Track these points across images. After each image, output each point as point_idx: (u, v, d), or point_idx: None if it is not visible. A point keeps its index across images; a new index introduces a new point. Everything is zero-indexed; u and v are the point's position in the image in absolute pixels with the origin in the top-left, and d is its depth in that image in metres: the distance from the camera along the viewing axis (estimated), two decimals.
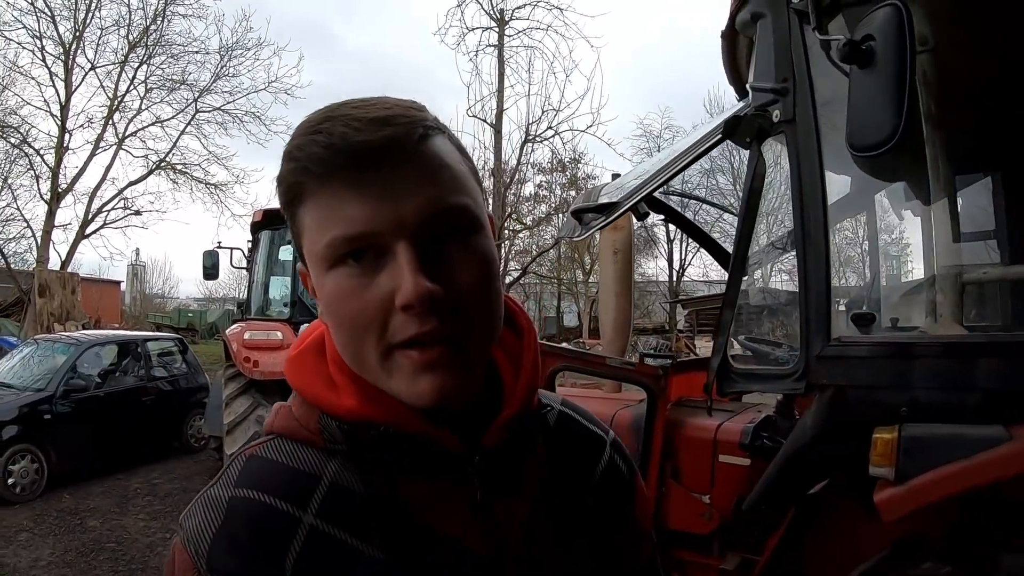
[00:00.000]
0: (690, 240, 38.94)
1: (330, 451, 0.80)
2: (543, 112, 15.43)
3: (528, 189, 26.24)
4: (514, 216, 18.13)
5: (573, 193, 32.65)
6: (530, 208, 28.08)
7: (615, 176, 5.90)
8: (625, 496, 0.98)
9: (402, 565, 0.76)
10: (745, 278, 2.80)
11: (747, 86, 2.63)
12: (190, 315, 41.14)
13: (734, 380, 2.57)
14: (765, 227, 3.34)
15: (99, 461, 9.28)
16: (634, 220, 3.84)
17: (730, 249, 2.88)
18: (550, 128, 15.45)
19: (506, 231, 15.90)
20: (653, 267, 42.39)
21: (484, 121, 15.30)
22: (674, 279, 41.76)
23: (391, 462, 0.79)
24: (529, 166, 20.39)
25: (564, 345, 3.78)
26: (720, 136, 2.62)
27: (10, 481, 8.05)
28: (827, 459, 2.37)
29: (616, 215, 2.80)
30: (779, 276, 3.67)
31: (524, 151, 15.77)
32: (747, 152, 2.57)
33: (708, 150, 2.77)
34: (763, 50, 2.49)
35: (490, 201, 14.59)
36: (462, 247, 0.74)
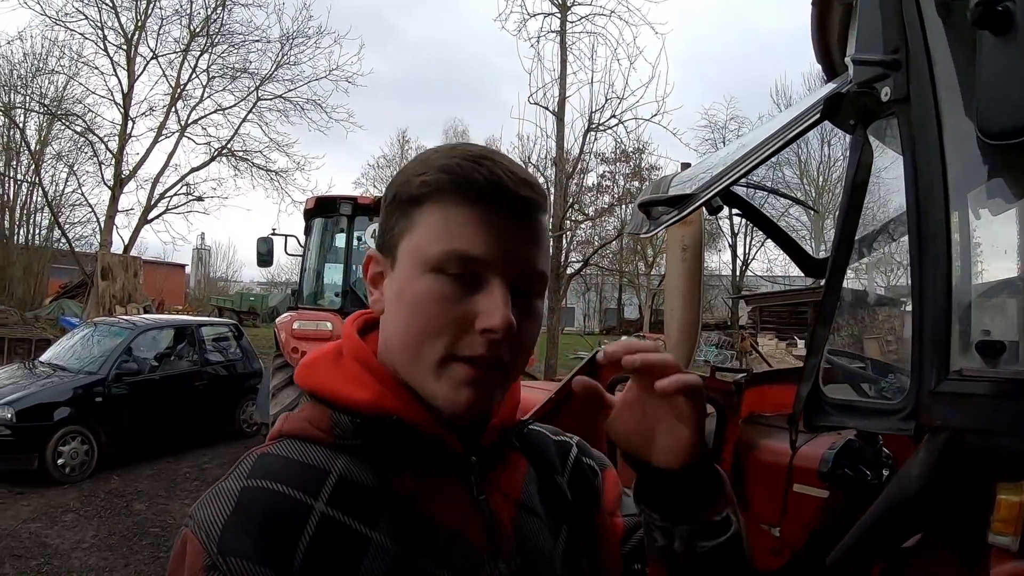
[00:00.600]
0: (754, 234, 38.54)
1: (338, 447, 0.85)
2: (607, 100, 14.90)
3: (591, 179, 25.68)
4: (576, 206, 17.68)
5: (637, 184, 32.18)
6: (592, 198, 27.62)
7: (684, 166, 5.40)
8: (593, 487, 1.07)
9: (409, 552, 0.81)
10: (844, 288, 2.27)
11: (846, 60, 2.14)
12: (252, 299, 41.85)
13: (827, 412, 2.11)
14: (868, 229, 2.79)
15: (150, 444, 9.31)
16: (704, 214, 3.41)
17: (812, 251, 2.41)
18: (613, 116, 14.90)
19: (567, 222, 15.47)
20: (716, 261, 41.64)
21: (546, 109, 14.85)
22: (737, 274, 40.99)
23: (398, 457, 0.86)
24: (592, 155, 19.83)
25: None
26: (817, 118, 2.18)
27: (60, 462, 8.08)
28: (934, 516, 1.87)
29: (690, 210, 2.46)
30: (886, 289, 3.23)
31: (587, 140, 15.26)
32: (834, 141, 2.10)
33: (799, 135, 2.33)
34: (867, 17, 2.04)
35: (552, 191, 14.20)
36: (531, 303, 0.86)
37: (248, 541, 0.75)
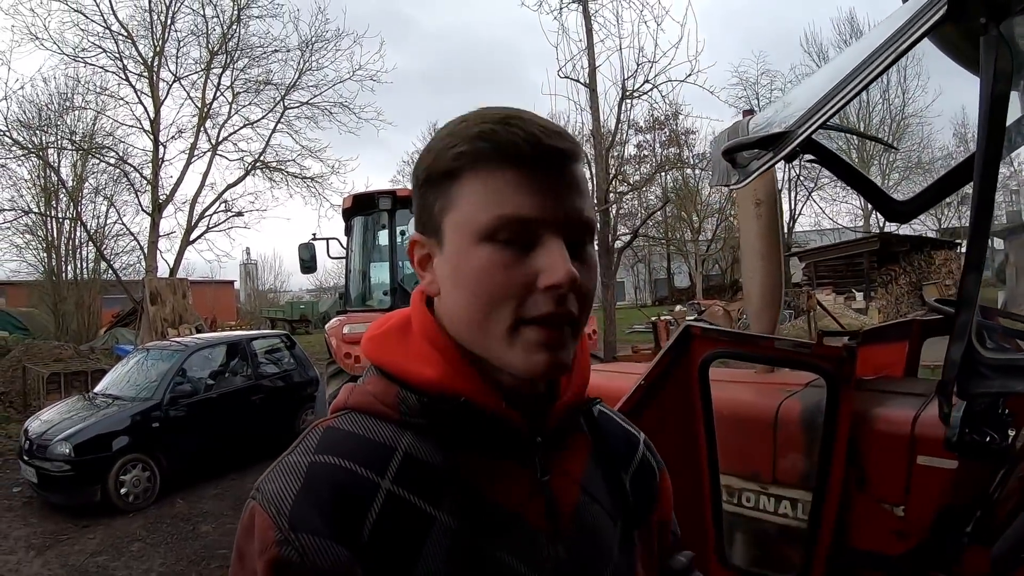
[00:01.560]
0: (799, 189, 37.87)
1: (404, 424, 0.86)
2: (638, 65, 14.43)
3: (629, 150, 25.32)
4: (619, 178, 17.29)
5: (675, 150, 31.66)
6: (635, 168, 27.17)
7: (747, 113, 4.93)
8: (652, 488, 1.06)
9: (470, 532, 0.82)
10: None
11: None
12: (302, 307, 42.36)
13: (985, 376, 1.83)
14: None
15: (212, 464, 9.16)
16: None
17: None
18: (647, 82, 14.44)
19: (611, 194, 15.05)
20: None
21: (577, 81, 14.44)
22: (785, 230, 40.29)
23: (462, 438, 0.86)
24: (628, 124, 19.39)
25: (718, 327, 2.96)
26: (939, 17, 1.77)
27: (123, 491, 7.93)
28: None
29: (789, 148, 2.10)
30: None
31: (622, 108, 14.79)
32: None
33: (914, 44, 1.88)
34: None
35: (593, 165, 13.80)
36: (585, 252, 0.85)
37: (318, 517, 0.76)
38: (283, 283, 56.83)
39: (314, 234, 9.00)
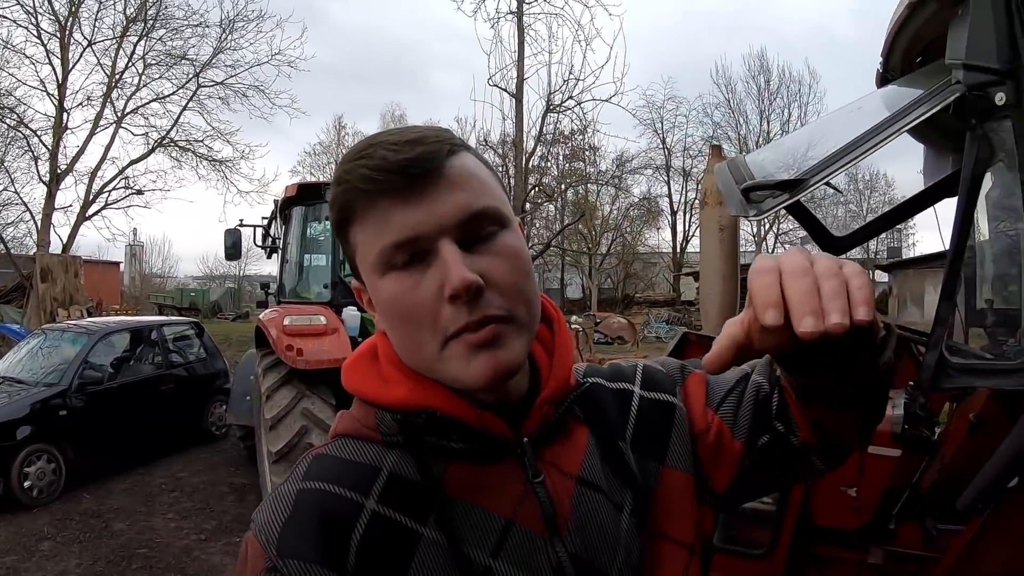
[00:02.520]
0: (694, 212, 39.56)
1: (388, 444, 0.88)
2: (565, 82, 14.83)
3: (534, 161, 26.01)
4: (538, 188, 17.70)
5: (579, 164, 32.38)
6: (536, 179, 27.64)
7: (715, 148, 5.45)
8: (666, 428, 1.01)
9: (459, 545, 0.82)
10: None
11: (947, 62, 2.39)
12: (192, 294, 40.85)
13: (952, 376, 2.31)
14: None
15: (118, 457, 8.72)
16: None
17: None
18: (571, 99, 14.85)
19: (527, 204, 15.39)
20: (656, 238, 42.44)
21: (505, 91, 14.64)
22: (678, 250, 41.82)
23: (443, 449, 0.86)
24: (552, 137, 19.81)
25: (711, 335, 3.35)
26: (942, 108, 2.38)
27: (27, 484, 7.45)
28: None
29: (802, 192, 2.53)
30: (1002, 272, 3.27)
31: (546, 121, 15.13)
32: None
33: (916, 123, 2.49)
34: (980, 27, 2.34)
35: (511, 172, 14.06)
36: (494, 243, 0.82)
37: (305, 543, 0.78)
38: (171, 268, 54.61)
39: (241, 220, 8.73)
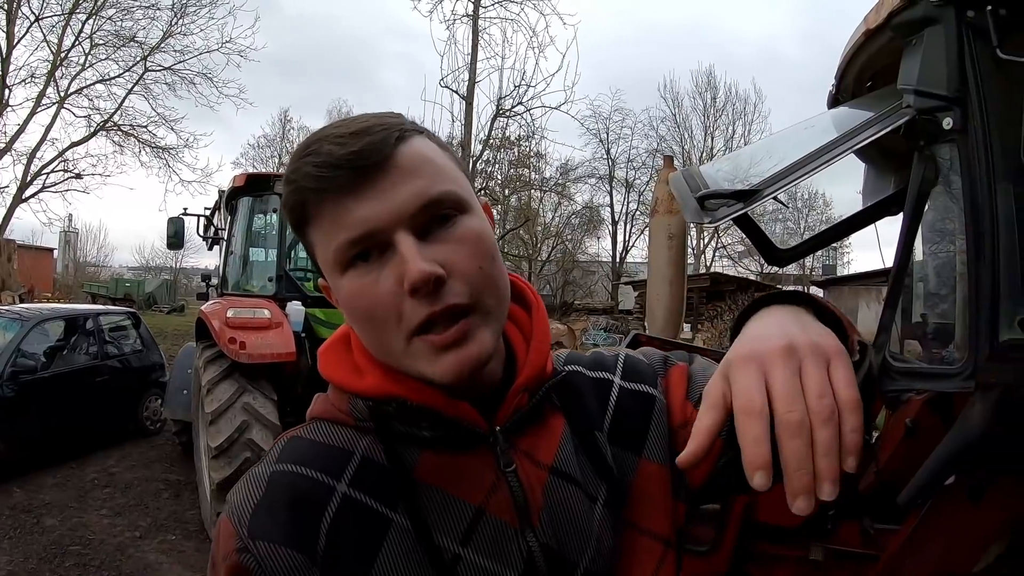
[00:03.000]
0: (634, 222, 40.17)
1: (361, 429, 0.87)
2: (516, 87, 14.98)
3: (480, 165, 26.18)
4: (483, 191, 17.79)
5: (525, 170, 32.57)
6: (501, 186, 27.73)
7: (668, 159, 5.61)
8: (644, 422, 0.99)
9: (430, 532, 0.82)
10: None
11: (899, 86, 2.51)
12: (127, 285, 39.71)
13: (895, 379, 2.50)
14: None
15: (50, 449, 8.46)
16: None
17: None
18: (521, 104, 15.01)
19: None
20: (596, 247, 42.89)
21: (455, 92, 14.70)
22: (618, 259, 42.29)
23: (415, 437, 0.85)
24: (500, 141, 19.93)
25: (659, 336, 3.45)
26: (893, 130, 2.52)
27: None
28: (991, 455, 2.35)
29: (755, 203, 2.61)
30: (937, 288, 3.43)
31: (495, 125, 15.25)
32: None
33: (867, 143, 2.61)
34: (932, 57, 2.53)
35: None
36: (454, 229, 0.80)
37: (275, 525, 0.79)
38: (106, 256, 53.10)
39: (185, 209, 8.56)
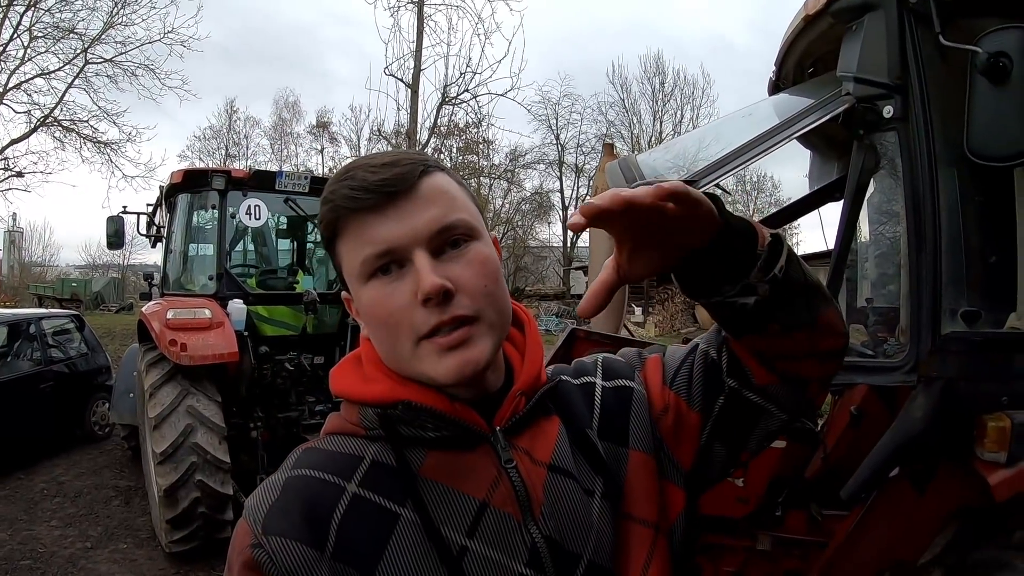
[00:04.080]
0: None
1: (370, 437, 0.96)
2: (462, 75, 14.86)
3: (428, 152, 26.03)
4: None
5: (474, 158, 32.43)
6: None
7: (608, 147, 5.59)
8: (626, 412, 1.06)
9: (437, 526, 0.89)
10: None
11: (839, 74, 2.58)
12: (74, 284, 38.70)
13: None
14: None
15: None
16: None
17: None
18: (467, 91, 14.89)
19: None
20: (547, 232, 42.99)
21: (401, 80, 14.50)
22: (568, 245, 42.44)
23: (420, 439, 0.94)
24: (447, 130, 19.81)
25: (597, 331, 3.48)
26: (832, 117, 2.55)
27: None
28: (933, 447, 2.44)
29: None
30: (882, 272, 3.43)
31: (441, 113, 15.11)
32: None
33: (807, 129, 2.64)
34: (872, 44, 2.50)
35: None
36: (465, 252, 0.91)
37: (288, 522, 0.87)
38: (52, 256, 51.67)
39: (124, 207, 8.28)
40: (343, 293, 1.01)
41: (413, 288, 0.87)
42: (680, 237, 0.82)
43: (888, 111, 2.41)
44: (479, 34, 19.88)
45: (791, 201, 3.70)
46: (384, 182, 0.88)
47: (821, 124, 2.54)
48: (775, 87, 3.38)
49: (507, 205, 39.74)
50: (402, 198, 0.89)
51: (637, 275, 0.86)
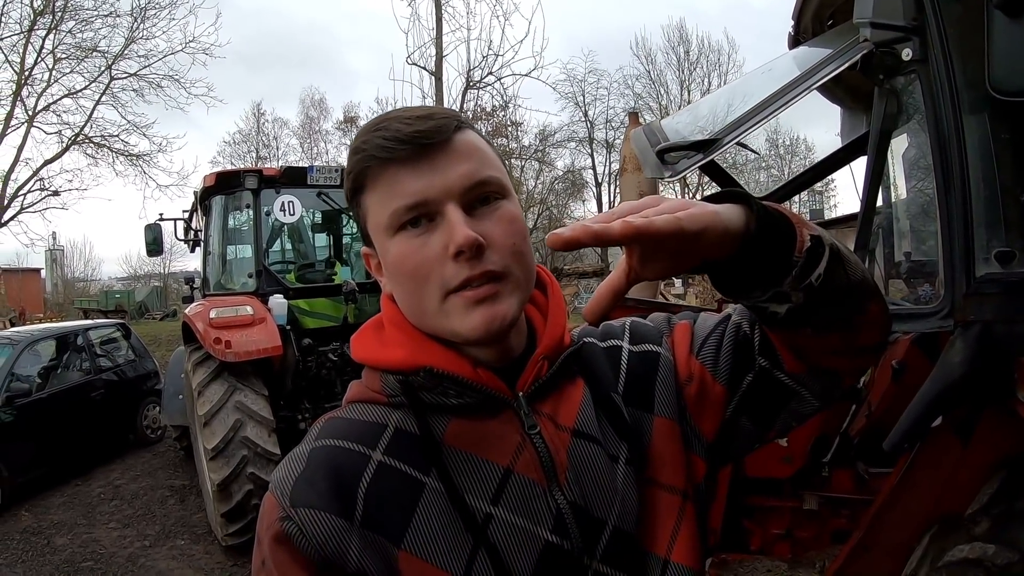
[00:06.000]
0: (618, 183, 39.83)
1: (393, 404, 0.95)
2: (484, 58, 14.81)
3: None
4: None
5: (502, 140, 32.33)
6: None
7: (632, 115, 5.51)
8: (653, 376, 1.04)
9: (462, 493, 0.88)
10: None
11: (855, 21, 2.51)
12: (118, 296, 39.60)
13: None
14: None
15: (53, 470, 8.43)
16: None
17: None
18: (491, 74, 14.85)
19: None
20: (582, 210, 42.73)
21: (424, 68, 14.51)
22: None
23: (442, 406, 0.92)
24: (472, 115, 19.79)
25: (635, 298, 3.45)
26: (850, 65, 2.51)
27: None
28: (974, 391, 2.36)
29: (716, 152, 2.68)
30: (917, 226, 3.38)
31: (466, 98, 15.07)
32: None
33: (824, 81, 2.63)
34: None
35: None
36: (496, 208, 0.90)
37: (314, 493, 0.86)
38: (94, 271, 52.68)
39: (161, 214, 8.48)
40: (363, 248, 1.00)
41: (444, 241, 0.86)
42: (694, 248, 0.77)
43: (907, 54, 2.37)
44: (498, 16, 19.79)
45: (817, 160, 3.66)
46: (419, 134, 0.86)
47: (840, 72, 2.50)
48: (795, 41, 3.34)
49: (540, 185, 39.56)
50: (436, 151, 0.88)
51: (650, 279, 0.82)
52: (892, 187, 3.40)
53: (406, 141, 0.86)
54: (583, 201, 42.25)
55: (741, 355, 1.02)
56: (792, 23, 3.32)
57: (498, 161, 0.95)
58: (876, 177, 2.55)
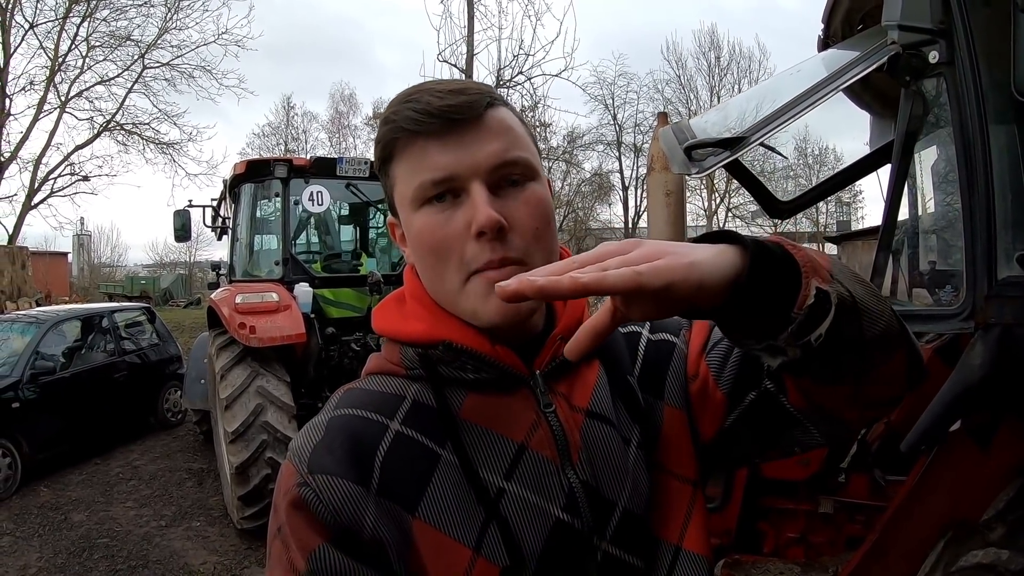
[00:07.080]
0: (645, 186, 39.63)
1: (411, 377, 0.95)
2: (515, 57, 14.80)
3: None
4: None
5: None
6: None
7: (662, 116, 5.52)
8: (667, 366, 1.05)
9: (476, 467, 0.88)
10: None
11: (883, 24, 2.50)
12: (143, 282, 39.99)
13: None
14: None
15: (74, 447, 8.57)
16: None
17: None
18: (521, 73, 14.83)
19: None
20: (608, 214, 42.56)
21: (455, 67, 14.54)
22: (630, 225, 42.03)
23: (460, 380, 0.93)
24: None
25: None
26: (877, 67, 2.52)
27: None
28: (994, 395, 2.34)
29: (743, 150, 2.68)
30: (935, 219, 3.37)
31: None
32: None
33: (851, 82, 2.62)
34: None
35: None
36: (522, 190, 0.89)
37: (333, 460, 0.87)
38: (120, 256, 53.33)
39: (190, 201, 8.61)
40: (389, 218, 1.01)
41: (467, 219, 0.85)
42: (672, 298, 0.69)
43: (934, 56, 2.40)
44: (529, 15, 19.74)
45: (845, 166, 3.66)
46: (450, 108, 0.85)
47: (868, 75, 2.51)
48: (824, 44, 3.35)
49: (567, 187, 39.57)
50: (466, 127, 0.86)
51: (637, 320, 0.78)
52: (919, 197, 3.39)
53: (436, 115, 0.85)
54: (609, 204, 42.11)
55: (748, 370, 0.97)
56: (822, 26, 3.33)
57: (529, 141, 0.93)
58: (901, 178, 2.57)
